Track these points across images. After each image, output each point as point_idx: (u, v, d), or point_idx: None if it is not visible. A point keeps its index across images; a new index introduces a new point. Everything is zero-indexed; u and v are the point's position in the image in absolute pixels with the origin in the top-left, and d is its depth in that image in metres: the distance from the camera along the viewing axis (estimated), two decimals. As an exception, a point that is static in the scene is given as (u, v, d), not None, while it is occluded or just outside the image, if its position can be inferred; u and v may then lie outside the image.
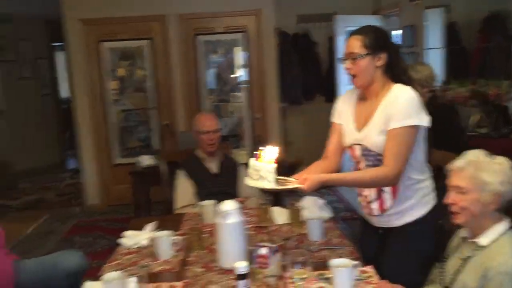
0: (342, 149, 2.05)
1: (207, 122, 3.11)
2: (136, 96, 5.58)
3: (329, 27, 6.16)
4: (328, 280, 1.69)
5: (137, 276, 1.53)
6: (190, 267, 1.94)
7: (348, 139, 1.98)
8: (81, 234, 4.68)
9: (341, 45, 6.48)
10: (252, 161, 1.78)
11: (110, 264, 2.04)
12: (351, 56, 1.88)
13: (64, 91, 9.01)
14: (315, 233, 2.14)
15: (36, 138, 7.50)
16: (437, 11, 5.89)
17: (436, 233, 1.93)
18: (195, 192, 3.01)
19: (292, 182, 1.80)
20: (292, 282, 1.67)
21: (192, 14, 5.42)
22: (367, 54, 1.85)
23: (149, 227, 2.29)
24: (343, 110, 2.03)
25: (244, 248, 1.91)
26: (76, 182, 6.58)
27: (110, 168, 5.59)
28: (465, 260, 1.60)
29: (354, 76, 1.90)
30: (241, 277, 1.31)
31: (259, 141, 4.23)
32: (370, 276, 1.73)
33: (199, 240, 2.12)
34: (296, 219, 2.34)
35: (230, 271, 1.82)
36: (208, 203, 2.51)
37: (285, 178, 1.85)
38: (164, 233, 2.12)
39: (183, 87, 5.51)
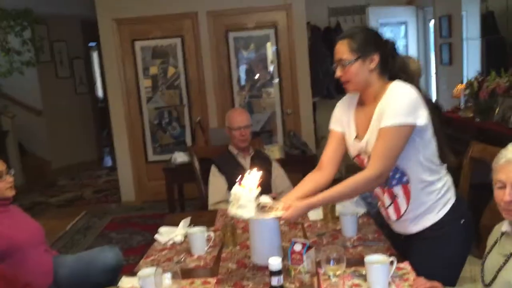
0: (339, 158, 1.97)
1: (238, 118, 3.11)
2: (169, 93, 5.65)
3: (361, 20, 6.06)
4: (363, 276, 1.66)
5: (171, 272, 1.55)
6: (224, 263, 1.94)
7: (353, 150, 1.90)
8: (117, 230, 4.78)
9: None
10: (234, 188, 1.71)
11: (146, 260, 2.06)
12: (340, 63, 1.79)
13: (100, 90, 9.23)
14: (349, 229, 2.11)
15: (74, 136, 7.69)
16: (474, 0, 5.71)
17: (463, 232, 1.84)
18: (228, 188, 3.03)
19: (276, 209, 1.74)
20: (327, 279, 1.66)
21: (223, 10, 5.43)
22: (356, 59, 1.76)
23: (184, 223, 2.31)
24: (343, 118, 1.94)
25: (278, 244, 1.90)
26: (112, 179, 6.73)
27: (145, 165, 5.69)
28: (508, 256, 1.53)
29: (346, 82, 1.82)
30: (275, 273, 1.30)
31: (291, 136, 4.19)
32: (406, 273, 1.69)
33: (233, 236, 2.12)
34: (330, 214, 2.31)
35: (263, 267, 1.82)
36: (241, 199, 2.50)
37: (269, 203, 1.79)
38: (198, 229, 2.13)
39: (215, 83, 5.54)
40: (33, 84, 7.03)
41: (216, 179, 3.05)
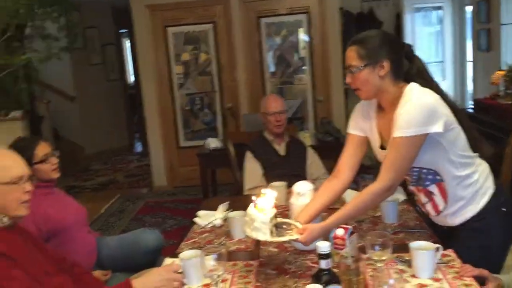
0: (356, 163, 1.92)
1: (273, 103, 3.11)
2: (200, 79, 5.67)
3: (396, 4, 5.95)
4: (407, 262, 1.65)
5: (217, 254, 1.56)
6: (265, 247, 1.95)
7: (380, 157, 1.84)
8: (151, 214, 4.86)
9: (409, 24, 6.27)
10: (249, 209, 1.70)
11: (187, 242, 2.09)
12: (349, 69, 1.74)
13: (131, 76, 9.33)
14: (389, 216, 2.10)
15: (106, 122, 7.82)
16: (513, -16, 5.53)
17: (504, 220, 1.78)
18: (263, 174, 3.04)
19: (291, 232, 1.71)
20: (370, 264, 1.65)
21: (255, -4, 5.41)
22: (365, 66, 1.70)
23: (222, 207, 2.33)
24: (364, 123, 1.89)
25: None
26: (143, 164, 6.84)
27: (176, 150, 5.75)
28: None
29: (357, 89, 1.77)
30: (324, 256, 1.30)
31: (324, 123, 4.17)
32: (452, 260, 1.67)
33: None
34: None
35: (304, 251, 1.83)
36: (278, 184, 2.52)
37: (287, 221, 1.78)
38: (238, 213, 2.15)
39: (246, 69, 5.53)
40: (66, 70, 7.15)
41: (251, 164, 3.06)
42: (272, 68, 5.60)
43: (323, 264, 1.31)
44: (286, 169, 2.99)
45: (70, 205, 2.38)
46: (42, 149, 2.25)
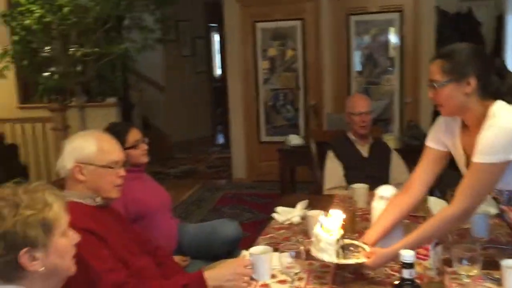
0: (430, 179, 1.80)
1: (360, 103, 3.05)
2: (285, 76, 5.68)
3: (497, 5, 5.57)
4: (497, 281, 1.55)
5: (294, 251, 1.56)
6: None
7: None
8: (229, 206, 4.96)
9: (511, 27, 5.85)
10: (315, 228, 1.65)
11: (264, 236, 2.11)
12: (431, 84, 1.63)
13: (217, 70, 9.57)
14: (479, 229, 1.97)
15: (191, 112, 8.09)
16: None
17: None
18: (344, 174, 2.99)
19: (358, 255, 1.65)
20: (455, 278, 1.56)
21: (346, -7, 5.31)
22: (449, 81, 1.58)
23: (301, 205, 2.32)
24: (446, 139, 1.75)
25: (400, 236, 1.83)
26: (224, 156, 6.99)
27: (257, 145, 5.81)
28: None
29: (439, 105, 1.65)
30: (408, 265, 1.24)
31: (411, 127, 4.01)
32: (548, 284, 1.54)
33: (352, 224, 2.08)
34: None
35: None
36: (360, 186, 2.46)
37: (355, 243, 1.72)
38: (316, 212, 2.12)
39: (332, 68, 5.46)
40: (159, 61, 7.49)
41: (333, 164, 3.02)
42: (358, 67, 5.47)
43: (406, 273, 1.25)
44: (368, 171, 2.92)
45: (157, 190, 2.48)
46: (134, 135, 2.37)
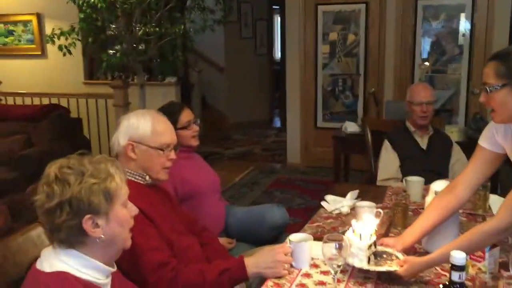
0: (478, 181, 1.68)
1: (422, 92, 2.90)
2: (345, 61, 5.54)
3: None
4: (559, 291, 1.43)
5: (339, 243, 1.51)
6: (391, 244, 1.84)
7: None
8: (281, 189, 4.95)
9: None
10: (347, 232, 1.57)
11: (311, 224, 2.07)
12: (484, 87, 1.50)
13: (278, 52, 9.51)
14: (543, 233, 1.83)
15: (250, 95, 8.11)
16: None
17: None
18: (399, 166, 2.88)
19: (391, 263, 1.57)
20: (511, 284, 1.46)
21: (415, -25, 5.07)
22: (503, 86, 1.45)
23: (351, 194, 2.26)
24: (504, 140, 1.61)
25: (455, 234, 1.74)
26: (280, 140, 6.97)
27: (313, 130, 5.73)
28: None
29: (492, 111, 1.52)
30: (458, 268, 1.17)
31: (477, 119, 3.80)
32: None
33: (403, 218, 2.00)
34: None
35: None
36: (415, 179, 2.35)
37: (388, 251, 1.63)
38: (367, 203, 2.06)
39: (396, 54, 5.25)
40: (219, 42, 7.52)
41: (388, 154, 2.91)
42: (424, 55, 5.24)
43: (455, 276, 1.18)
44: (425, 164, 2.80)
45: (206, 171, 2.50)
46: (186, 115, 2.38)
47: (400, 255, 1.62)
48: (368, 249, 1.55)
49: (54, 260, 1.19)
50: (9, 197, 2.16)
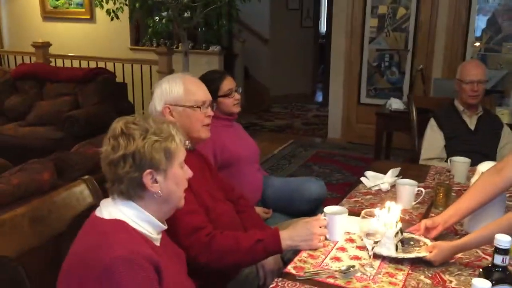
0: None
1: (473, 71, 2.78)
2: (394, 36, 5.35)
3: None
4: None
5: (377, 219, 1.49)
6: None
7: None
8: (319, 164, 4.91)
9: None
10: (371, 220, 1.47)
11: (349, 199, 2.05)
12: None
13: (323, 26, 9.31)
14: None
15: (293, 68, 8.00)
16: None
17: None
18: (444, 145, 2.79)
19: (419, 249, 1.52)
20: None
21: None
22: None
23: (392, 172, 2.21)
24: None
25: (500, 216, 1.67)
26: (321, 115, 6.89)
27: (356, 106, 5.62)
28: None
29: None
30: (502, 251, 1.12)
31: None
32: None
33: (446, 198, 1.94)
34: None
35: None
36: (461, 160, 2.28)
37: (415, 237, 1.60)
38: (408, 181, 2.01)
39: (447, 31, 5.04)
40: (264, 13, 7.43)
41: (433, 133, 2.82)
42: (478, 33, 5.00)
43: (498, 259, 1.14)
44: (473, 145, 2.70)
45: (246, 140, 2.50)
46: (228, 83, 2.37)
47: (428, 241, 1.59)
48: (395, 236, 1.53)
49: (113, 209, 1.25)
50: (55, 155, 2.22)
